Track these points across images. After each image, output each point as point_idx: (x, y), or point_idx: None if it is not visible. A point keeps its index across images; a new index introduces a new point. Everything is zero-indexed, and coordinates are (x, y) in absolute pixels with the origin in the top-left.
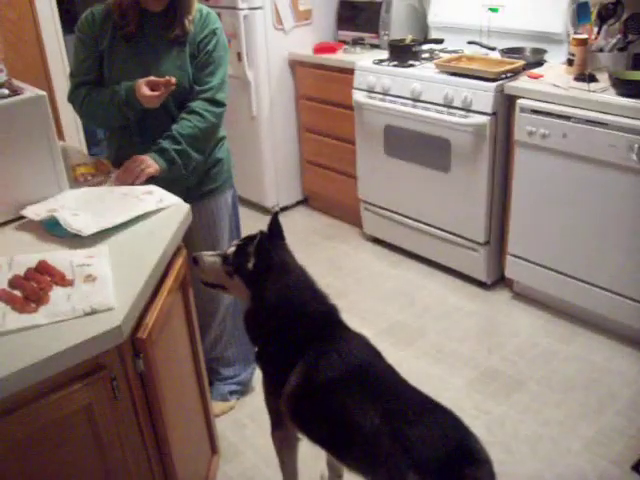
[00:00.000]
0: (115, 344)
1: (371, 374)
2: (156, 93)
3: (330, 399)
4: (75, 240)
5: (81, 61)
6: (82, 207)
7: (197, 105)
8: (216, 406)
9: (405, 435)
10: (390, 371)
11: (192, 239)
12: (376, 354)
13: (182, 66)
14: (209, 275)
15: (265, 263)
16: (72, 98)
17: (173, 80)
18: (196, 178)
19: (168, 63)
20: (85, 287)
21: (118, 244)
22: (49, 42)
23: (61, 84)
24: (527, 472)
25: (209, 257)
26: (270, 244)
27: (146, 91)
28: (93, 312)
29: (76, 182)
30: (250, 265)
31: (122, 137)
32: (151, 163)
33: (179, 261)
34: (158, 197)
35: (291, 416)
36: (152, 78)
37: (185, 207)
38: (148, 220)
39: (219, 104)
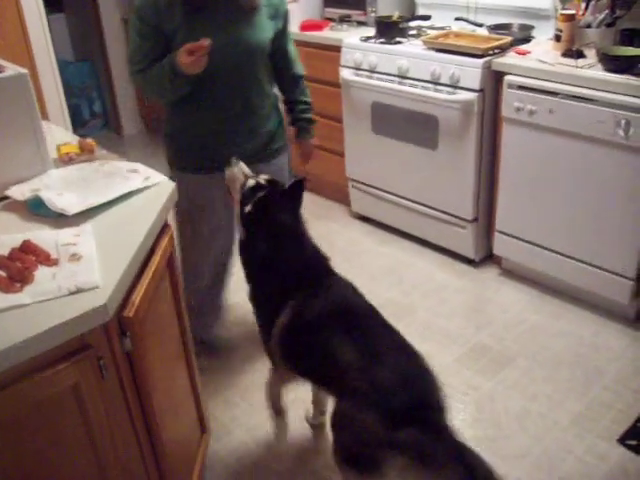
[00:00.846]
0: (101, 322)
1: (354, 315)
2: (193, 57)
3: (315, 335)
4: (60, 219)
5: (145, 49)
6: (66, 186)
7: (298, 71)
8: None
9: (374, 374)
10: (373, 313)
11: None
12: (361, 297)
13: (263, 29)
14: (230, 182)
15: (259, 216)
16: (132, 78)
17: (207, 42)
18: (267, 136)
19: (249, 28)
20: (70, 266)
21: (103, 223)
22: (31, 21)
23: (44, 63)
24: (516, 447)
25: (239, 171)
26: (279, 200)
27: (184, 57)
28: (78, 291)
29: (60, 161)
30: (246, 209)
31: (208, 109)
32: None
33: (165, 239)
34: (144, 175)
35: (280, 352)
36: (189, 44)
37: (170, 185)
38: (134, 198)
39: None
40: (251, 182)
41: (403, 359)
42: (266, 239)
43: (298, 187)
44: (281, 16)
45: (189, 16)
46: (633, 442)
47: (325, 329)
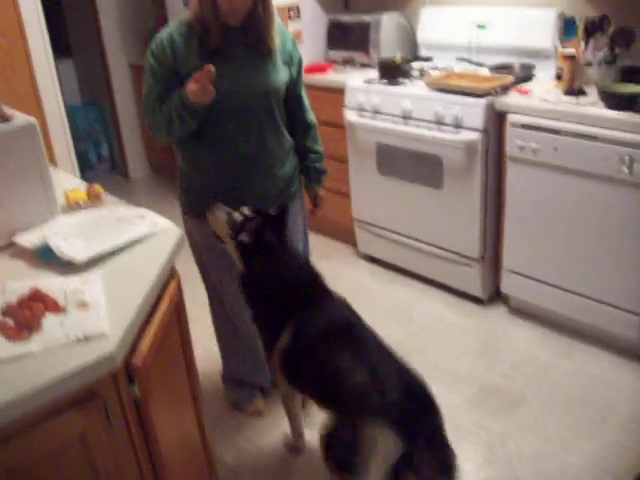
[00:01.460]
0: (108, 371)
1: (350, 335)
2: (199, 84)
3: (311, 356)
4: (68, 266)
5: (158, 90)
6: (74, 233)
7: (311, 119)
8: None
9: (375, 392)
10: (367, 332)
11: None
12: (355, 316)
13: (279, 72)
14: (216, 226)
15: (259, 244)
16: (145, 118)
17: (211, 68)
18: (283, 182)
19: (265, 71)
20: (78, 314)
21: (111, 270)
22: (40, 67)
23: (53, 110)
24: None
25: (221, 212)
26: (270, 227)
27: (191, 85)
28: (86, 339)
29: (68, 208)
30: (246, 239)
31: (224, 149)
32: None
33: (173, 285)
34: (151, 221)
35: (282, 370)
36: (196, 75)
37: (177, 231)
38: (141, 245)
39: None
40: (237, 216)
41: (400, 375)
42: (263, 265)
43: (283, 213)
44: (295, 63)
45: (205, 59)
46: None
47: (321, 350)
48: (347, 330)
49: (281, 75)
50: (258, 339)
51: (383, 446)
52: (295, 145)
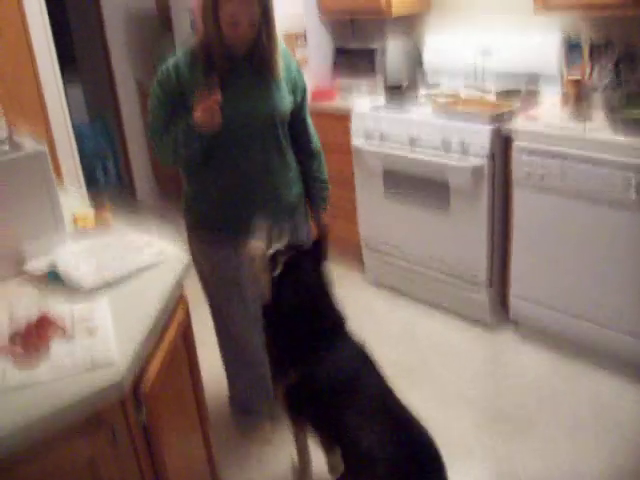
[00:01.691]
0: (116, 399)
1: (360, 385)
2: (206, 113)
3: (318, 401)
4: (76, 293)
5: (164, 117)
6: (83, 260)
7: (315, 146)
8: None
9: (383, 460)
10: (379, 383)
11: None
12: (367, 363)
13: (283, 97)
14: (253, 256)
15: (287, 277)
16: (151, 144)
17: (216, 92)
18: (289, 207)
19: (270, 96)
20: (86, 341)
21: (119, 296)
22: (48, 88)
23: (61, 129)
24: None
25: (259, 242)
26: (303, 260)
27: (198, 111)
28: (94, 367)
29: (77, 233)
30: (275, 272)
31: (229, 172)
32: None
33: (181, 312)
34: (158, 249)
35: (284, 402)
36: (203, 102)
37: (185, 257)
38: (149, 271)
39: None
40: (272, 250)
41: (407, 431)
42: (290, 300)
43: (319, 245)
44: (299, 89)
45: (211, 87)
46: None
47: (324, 400)
48: (356, 382)
49: (286, 101)
50: (265, 365)
51: None
52: (300, 171)
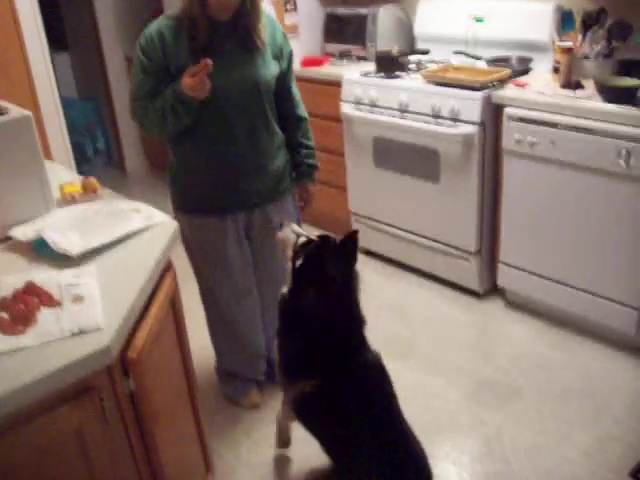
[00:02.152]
0: (104, 365)
1: (372, 402)
2: (196, 78)
3: (330, 415)
4: (63, 260)
5: (148, 86)
6: (70, 226)
7: (301, 113)
8: None
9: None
10: (390, 403)
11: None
12: (383, 382)
13: (268, 67)
14: (279, 242)
15: (309, 268)
16: (134, 115)
17: (209, 61)
18: (275, 176)
19: (254, 67)
20: (73, 307)
21: (106, 263)
22: (35, 60)
23: (48, 104)
24: None
25: (290, 231)
26: (331, 255)
27: (187, 79)
28: (81, 333)
29: (64, 201)
30: (297, 263)
31: (215, 144)
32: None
33: (168, 278)
34: (146, 215)
35: (293, 409)
36: (192, 68)
37: (173, 224)
38: (136, 239)
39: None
40: (302, 239)
41: (408, 459)
42: (312, 297)
43: (351, 240)
44: (285, 57)
45: (195, 54)
46: None
47: (340, 411)
48: (373, 401)
49: (271, 69)
50: (252, 334)
51: None
52: (286, 140)
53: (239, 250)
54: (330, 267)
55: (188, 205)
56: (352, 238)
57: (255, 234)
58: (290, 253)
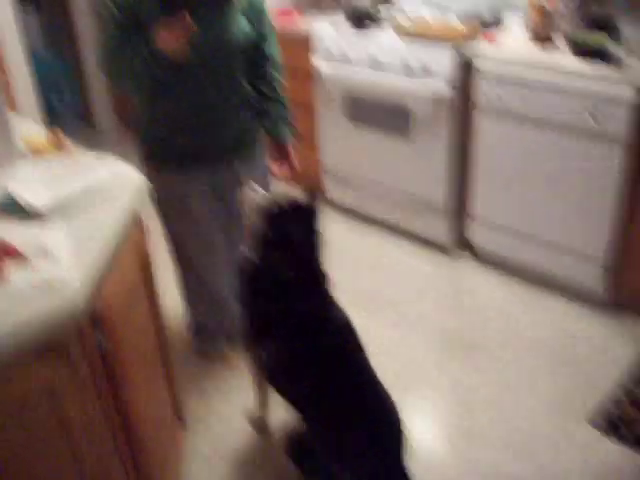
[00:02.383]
0: (72, 319)
1: (343, 362)
2: (172, 33)
3: (300, 377)
4: (29, 215)
5: (119, 35)
6: (35, 180)
7: (278, 72)
8: None
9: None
10: (359, 359)
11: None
12: (352, 340)
13: (239, 24)
14: (246, 206)
15: (271, 230)
16: (103, 66)
17: (187, 16)
18: (241, 131)
19: (225, 23)
20: (40, 262)
21: (74, 217)
22: (1, 13)
23: (14, 56)
24: (490, 432)
25: (252, 192)
26: (293, 215)
27: (163, 34)
28: (48, 287)
29: (29, 155)
30: (259, 223)
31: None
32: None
33: (137, 232)
34: (113, 167)
35: (263, 374)
36: (169, 20)
37: (141, 177)
38: (103, 192)
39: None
40: (264, 200)
41: (380, 415)
42: (274, 258)
43: (311, 202)
44: (258, 14)
45: (165, 10)
46: (602, 422)
47: (311, 372)
48: (343, 359)
49: (241, 27)
50: (221, 287)
51: None
52: (259, 96)
53: (204, 205)
54: (292, 227)
55: (152, 158)
56: (313, 199)
57: (224, 191)
58: (252, 215)
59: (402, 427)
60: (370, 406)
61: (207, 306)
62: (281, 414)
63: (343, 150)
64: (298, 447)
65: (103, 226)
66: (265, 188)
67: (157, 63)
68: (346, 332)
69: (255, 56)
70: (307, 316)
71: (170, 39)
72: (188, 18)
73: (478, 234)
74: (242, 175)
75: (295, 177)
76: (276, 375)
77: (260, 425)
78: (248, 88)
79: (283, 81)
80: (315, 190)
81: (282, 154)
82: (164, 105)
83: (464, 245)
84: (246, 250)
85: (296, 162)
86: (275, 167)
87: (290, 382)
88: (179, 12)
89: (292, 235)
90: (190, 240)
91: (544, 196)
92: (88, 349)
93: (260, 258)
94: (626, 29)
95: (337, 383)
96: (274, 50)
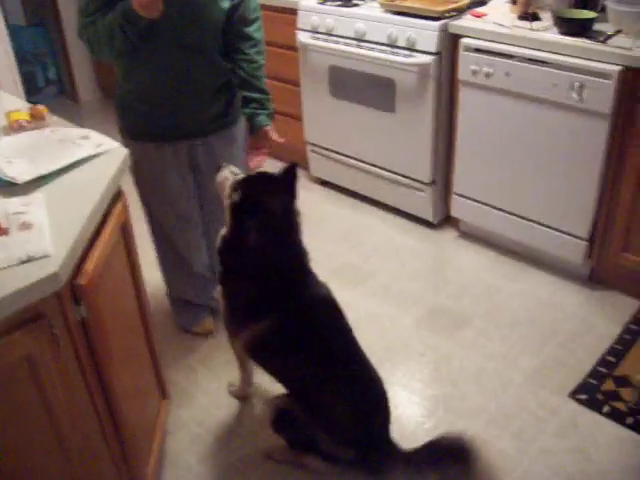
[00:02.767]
0: (53, 290)
1: (326, 337)
2: None
3: (285, 354)
4: (10, 188)
5: (97, 5)
6: (17, 154)
7: (260, 51)
8: None
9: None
10: (344, 334)
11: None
12: (336, 315)
13: (218, 4)
14: (220, 185)
15: (247, 203)
16: (82, 33)
17: None
18: (217, 107)
19: (199, 2)
20: (21, 235)
21: (55, 191)
22: None
23: None
24: (472, 405)
25: (229, 172)
26: (269, 188)
27: None
28: (29, 260)
29: (11, 129)
30: (235, 197)
31: (160, 70)
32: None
33: (119, 206)
34: (95, 142)
35: (246, 352)
36: None
37: (123, 151)
38: (86, 166)
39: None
40: (240, 176)
41: (365, 388)
42: (253, 236)
43: (289, 174)
44: None
45: None
46: (583, 396)
47: (295, 349)
48: (331, 335)
49: (221, 4)
50: (198, 260)
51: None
52: (239, 80)
53: (179, 179)
54: (269, 202)
55: (130, 129)
56: (291, 171)
57: (199, 166)
58: (228, 193)
59: (386, 398)
60: (355, 379)
61: (184, 279)
62: (265, 386)
63: (327, 125)
64: (283, 419)
65: (84, 200)
66: (241, 166)
67: (131, 26)
68: (328, 306)
69: (237, 37)
70: (288, 290)
71: (145, 2)
72: None
73: (461, 209)
74: (218, 150)
75: (278, 152)
76: (258, 351)
77: (243, 396)
78: (226, 67)
79: (264, 63)
80: (295, 163)
81: (261, 139)
82: (139, 78)
83: (448, 220)
84: (224, 230)
85: (276, 136)
86: (249, 158)
87: (273, 357)
88: None
89: (268, 209)
90: (165, 214)
91: (528, 171)
92: (68, 320)
93: (237, 232)
94: (611, 5)
95: (321, 357)
96: (258, 35)
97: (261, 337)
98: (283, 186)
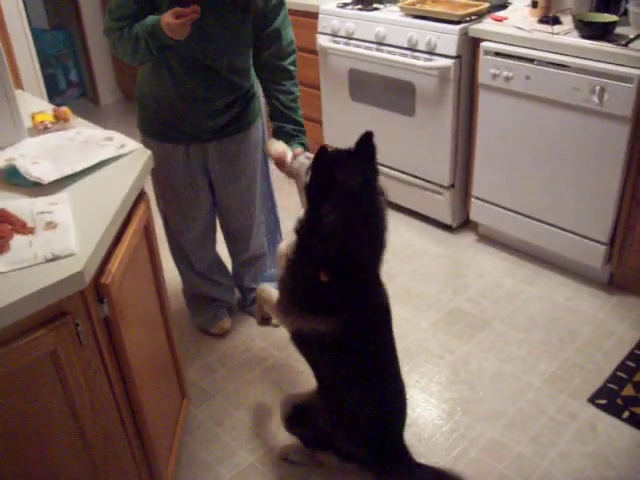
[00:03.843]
0: (77, 289)
1: (378, 344)
2: (179, 21)
3: (335, 354)
4: (35, 188)
5: (129, 9)
6: (42, 155)
7: (292, 82)
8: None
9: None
10: (390, 342)
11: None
12: (389, 322)
13: (243, 32)
14: (295, 173)
15: (321, 183)
16: (108, 33)
17: (198, 9)
18: (237, 113)
19: (235, 21)
20: (46, 234)
21: (79, 191)
22: None
23: (17, 31)
24: (490, 408)
25: (303, 157)
26: (346, 163)
27: (170, 18)
28: (55, 258)
29: (35, 130)
30: (307, 179)
31: (178, 82)
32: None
33: (142, 207)
34: (119, 143)
35: (294, 338)
36: (178, 8)
37: (146, 153)
38: (109, 167)
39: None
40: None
41: (392, 394)
42: (331, 218)
43: (366, 142)
44: (269, 8)
45: (176, 3)
46: (602, 401)
47: (351, 351)
48: (382, 342)
49: (245, 35)
50: (207, 263)
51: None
52: (274, 109)
53: (188, 180)
54: (345, 178)
55: (144, 125)
56: (367, 140)
57: (211, 164)
58: (305, 178)
59: (406, 405)
60: (386, 385)
61: (194, 277)
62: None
63: (347, 128)
64: (297, 415)
65: (108, 200)
66: (257, 162)
67: (157, 45)
68: (386, 312)
69: (273, 70)
70: (360, 293)
71: (174, 25)
72: (198, 10)
73: (480, 213)
74: (233, 150)
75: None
76: (306, 343)
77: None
78: (242, 83)
79: (299, 95)
80: (368, 132)
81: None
82: (156, 86)
83: (467, 223)
84: (299, 219)
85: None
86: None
87: (320, 352)
88: (193, 4)
89: (345, 186)
90: (173, 214)
91: (547, 175)
92: (92, 318)
93: (314, 219)
94: (633, 8)
95: (367, 361)
96: (294, 67)
97: (319, 335)
98: (360, 159)
